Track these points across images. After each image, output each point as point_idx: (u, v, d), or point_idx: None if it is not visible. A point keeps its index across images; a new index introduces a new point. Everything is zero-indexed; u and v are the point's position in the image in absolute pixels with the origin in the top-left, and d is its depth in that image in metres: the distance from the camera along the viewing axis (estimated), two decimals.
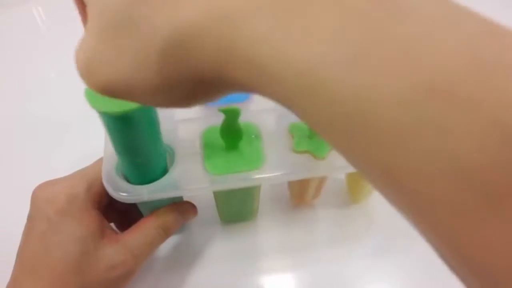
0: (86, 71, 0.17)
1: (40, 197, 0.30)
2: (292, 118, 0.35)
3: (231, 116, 0.30)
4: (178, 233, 0.40)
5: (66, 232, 0.29)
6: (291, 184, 0.39)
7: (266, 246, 0.40)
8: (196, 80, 0.15)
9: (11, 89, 0.54)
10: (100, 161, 0.32)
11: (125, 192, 0.30)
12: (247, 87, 0.15)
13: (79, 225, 0.29)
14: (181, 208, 0.34)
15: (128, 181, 0.31)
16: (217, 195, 0.36)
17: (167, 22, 0.14)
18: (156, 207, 0.33)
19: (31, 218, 0.30)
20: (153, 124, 0.28)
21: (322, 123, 0.14)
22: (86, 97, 0.24)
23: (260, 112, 0.36)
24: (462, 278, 0.14)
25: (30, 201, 0.31)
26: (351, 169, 0.34)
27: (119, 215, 0.37)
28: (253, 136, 0.33)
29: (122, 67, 0.16)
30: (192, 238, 0.40)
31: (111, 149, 0.32)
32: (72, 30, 0.63)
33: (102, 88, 0.17)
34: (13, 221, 0.31)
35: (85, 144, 0.37)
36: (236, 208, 0.39)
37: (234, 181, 0.31)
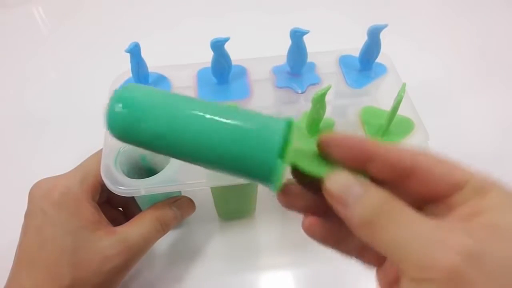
0: None
1: (36, 193, 0.31)
2: None
3: None
4: (176, 229, 0.40)
5: (60, 225, 0.29)
6: None
7: (264, 242, 0.40)
8: None
9: (11, 89, 0.55)
10: (95, 155, 0.33)
11: (123, 186, 0.30)
12: None
13: (73, 217, 0.29)
14: (179, 203, 0.34)
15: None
16: (215, 191, 0.36)
17: None
18: (155, 202, 0.33)
19: (28, 214, 0.30)
20: None
21: None
22: None
23: (258, 109, 0.36)
24: None
25: (27, 198, 0.31)
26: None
27: (119, 213, 0.37)
28: None
29: None
30: (190, 234, 0.40)
31: (110, 143, 0.32)
32: (71, 30, 0.64)
33: None
34: (13, 219, 0.31)
35: (84, 143, 0.37)
36: (234, 205, 0.39)
37: (231, 178, 0.31)
